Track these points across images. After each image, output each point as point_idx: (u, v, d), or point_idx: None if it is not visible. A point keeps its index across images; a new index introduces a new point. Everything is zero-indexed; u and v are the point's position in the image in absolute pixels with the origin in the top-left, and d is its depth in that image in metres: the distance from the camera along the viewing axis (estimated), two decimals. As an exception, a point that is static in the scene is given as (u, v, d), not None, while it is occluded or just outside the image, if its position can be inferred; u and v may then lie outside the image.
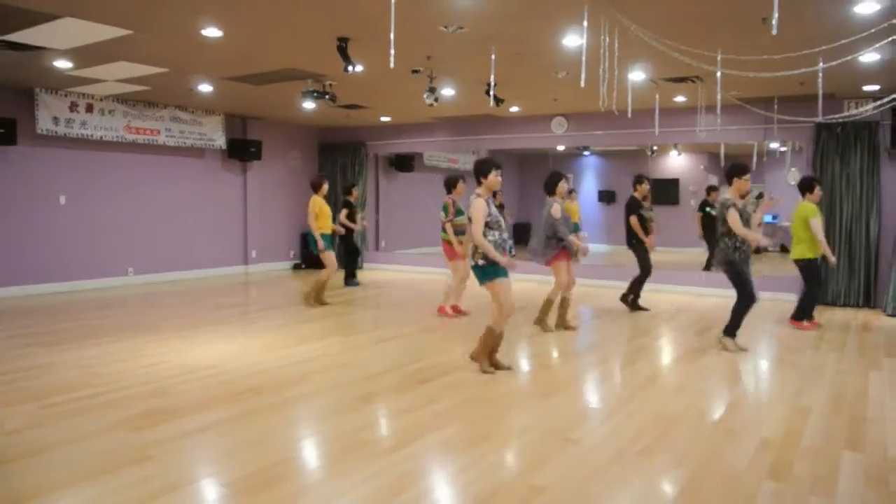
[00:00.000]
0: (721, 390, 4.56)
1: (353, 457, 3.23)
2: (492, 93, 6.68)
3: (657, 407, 4.06)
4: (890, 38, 4.46)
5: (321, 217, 7.54)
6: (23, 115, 7.98)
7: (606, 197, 13.24)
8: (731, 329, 5.56)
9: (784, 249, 11.41)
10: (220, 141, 10.25)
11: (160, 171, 9.72)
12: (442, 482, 3.04)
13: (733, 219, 5.30)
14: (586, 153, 13.42)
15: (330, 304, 7.76)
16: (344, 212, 9.22)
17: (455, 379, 4.65)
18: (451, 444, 3.42)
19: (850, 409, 4.04)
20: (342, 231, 8.96)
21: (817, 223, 6.38)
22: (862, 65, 5.99)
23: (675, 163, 12.22)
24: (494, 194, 4.91)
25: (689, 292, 8.91)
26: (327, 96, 7.34)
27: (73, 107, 8.39)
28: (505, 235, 4.68)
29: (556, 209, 6.20)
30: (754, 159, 9.51)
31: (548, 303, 6.38)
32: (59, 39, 5.62)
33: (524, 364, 5.26)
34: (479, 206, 4.56)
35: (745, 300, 5.45)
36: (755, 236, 5.31)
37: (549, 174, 6.39)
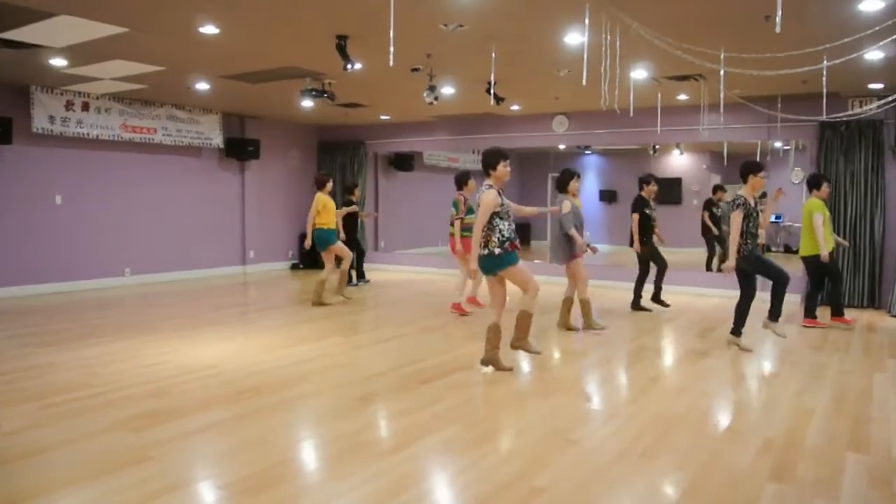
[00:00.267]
0: (723, 391, 4.52)
1: (353, 458, 3.20)
2: (492, 91, 6.65)
3: (659, 408, 4.03)
4: (894, 36, 4.43)
5: (324, 213, 7.60)
6: (18, 114, 7.93)
7: (608, 196, 13.21)
8: (738, 327, 5.54)
9: (788, 250, 11.38)
10: (218, 140, 10.21)
11: (157, 170, 9.69)
12: (442, 483, 3.01)
13: (733, 219, 5.33)
14: (587, 152, 13.37)
15: (331, 305, 7.74)
16: (344, 209, 9.17)
17: (455, 379, 4.62)
18: (451, 445, 3.39)
19: (853, 410, 4.01)
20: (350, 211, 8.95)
21: (819, 219, 6.36)
22: (866, 63, 5.95)
23: (678, 162, 12.17)
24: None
25: (689, 292, 8.87)
26: (326, 95, 7.30)
27: (68, 105, 8.35)
28: (513, 225, 4.78)
29: (565, 205, 6.21)
30: (758, 158, 9.48)
31: (586, 304, 6.35)
32: (55, 37, 5.59)
33: (525, 365, 5.23)
34: (488, 197, 4.64)
35: (779, 280, 5.43)
36: (734, 253, 5.31)
37: (562, 172, 6.42)
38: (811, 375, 4.80)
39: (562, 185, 6.34)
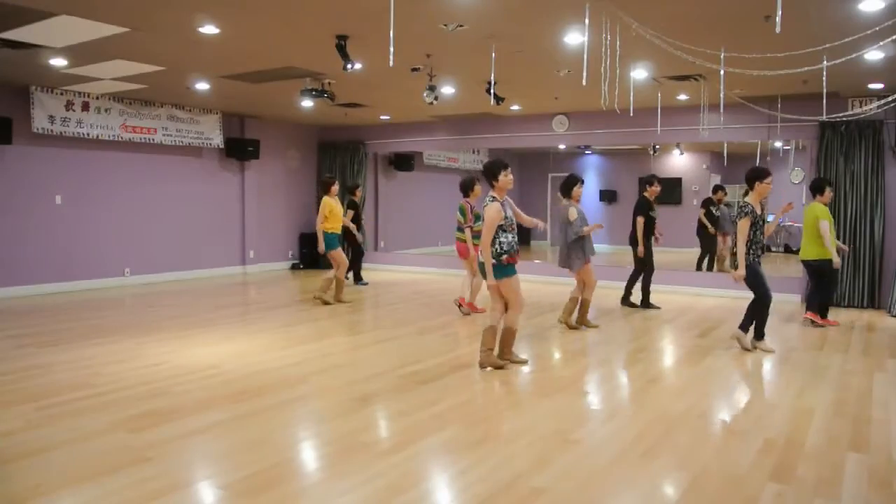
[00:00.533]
0: (723, 391, 4.52)
1: (353, 458, 3.19)
2: (492, 91, 6.64)
3: (659, 408, 4.03)
4: (894, 36, 4.42)
5: (331, 217, 7.67)
6: (18, 114, 7.93)
7: (608, 196, 13.21)
8: (759, 330, 5.51)
9: (788, 250, 11.38)
10: (218, 140, 10.21)
11: (157, 170, 9.68)
12: (442, 483, 3.01)
13: (741, 227, 5.28)
14: (588, 152, 13.38)
15: (332, 305, 7.74)
16: (350, 213, 9.16)
17: (455, 380, 4.62)
18: (451, 446, 3.39)
19: (854, 411, 4.00)
20: (352, 227, 8.92)
21: (825, 226, 6.39)
22: (866, 63, 5.95)
23: (678, 162, 12.17)
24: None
25: (690, 292, 8.87)
26: (326, 95, 7.30)
27: (68, 105, 8.35)
28: (516, 236, 4.83)
29: (571, 212, 6.26)
30: (758, 158, 9.48)
31: (586, 303, 6.41)
32: (55, 37, 5.58)
33: (525, 365, 5.23)
34: (492, 211, 4.67)
35: (762, 300, 5.42)
36: (742, 260, 5.29)
37: (566, 177, 6.45)
38: (812, 376, 4.80)
39: (566, 191, 6.38)
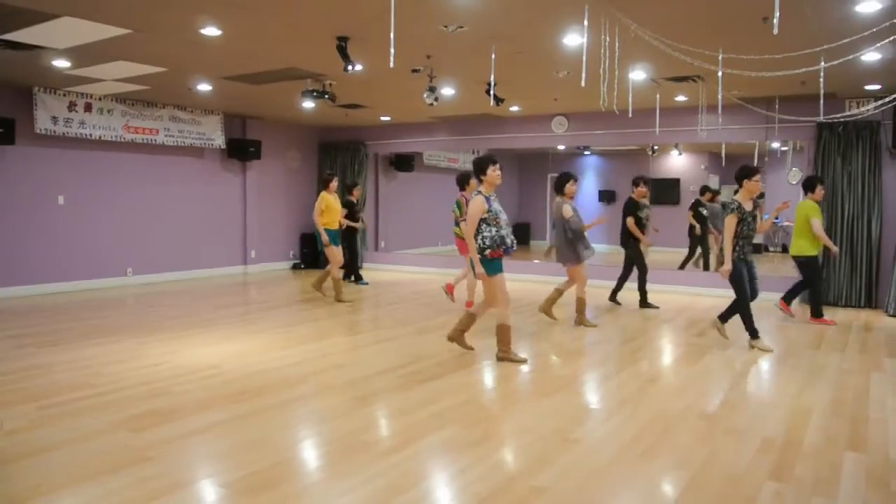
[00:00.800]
0: (722, 391, 4.53)
1: (353, 458, 3.21)
2: (492, 92, 6.66)
3: (658, 407, 4.05)
4: (891, 38, 4.45)
5: (327, 213, 7.73)
6: (21, 115, 7.96)
7: (607, 197, 13.22)
8: (749, 329, 5.59)
9: (786, 250, 11.40)
10: (220, 140, 10.23)
11: (159, 170, 9.70)
12: (442, 483, 3.03)
13: (727, 223, 5.42)
14: (587, 153, 13.40)
15: (329, 301, 7.77)
16: (343, 211, 9.19)
17: (455, 379, 4.63)
18: (451, 445, 3.41)
19: (851, 410, 4.03)
20: (351, 224, 8.92)
21: (818, 223, 6.48)
22: (863, 64, 5.97)
23: (676, 162, 12.19)
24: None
25: (688, 292, 8.89)
26: (327, 96, 7.32)
27: (71, 106, 8.37)
28: (503, 232, 4.85)
29: (566, 210, 6.32)
30: (755, 159, 9.51)
31: (580, 301, 6.51)
32: (58, 39, 5.60)
33: (524, 365, 5.25)
34: (475, 203, 4.81)
35: (741, 300, 5.53)
36: (729, 254, 5.42)
37: (560, 174, 6.53)
38: (810, 375, 4.82)
39: (559, 188, 6.47)
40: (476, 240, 4.80)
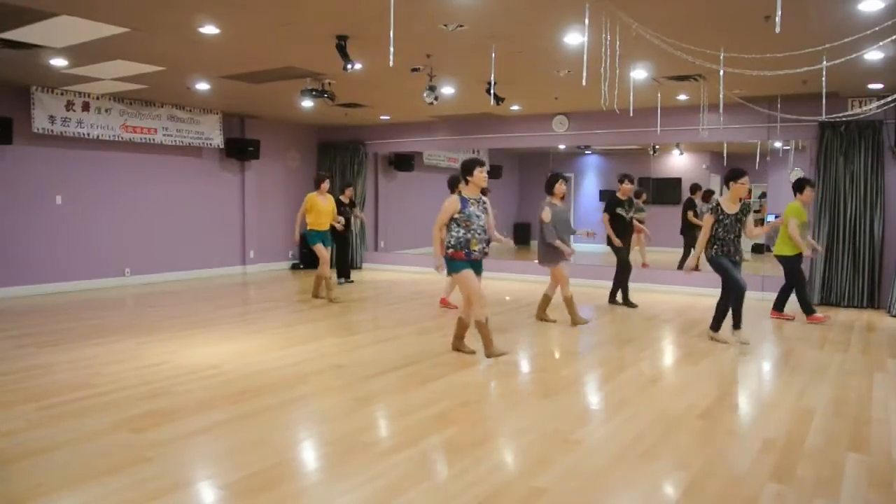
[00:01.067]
0: (723, 391, 4.52)
1: (353, 458, 3.20)
2: (492, 91, 6.65)
3: (659, 408, 4.03)
4: (894, 37, 4.43)
5: (312, 213, 7.83)
6: (18, 114, 7.93)
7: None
8: (728, 322, 5.75)
9: None
10: (218, 140, 10.21)
11: (157, 170, 9.68)
12: (443, 484, 3.01)
13: (705, 222, 5.63)
14: (587, 152, 13.38)
15: (328, 303, 7.76)
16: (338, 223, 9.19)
17: (454, 380, 4.62)
18: (451, 446, 3.39)
19: (853, 411, 4.01)
20: (340, 226, 8.88)
21: (794, 224, 6.58)
22: (866, 63, 5.95)
23: (678, 162, 12.17)
24: (484, 193, 5.13)
25: (688, 292, 8.87)
26: (326, 95, 7.31)
27: (69, 105, 8.35)
28: (469, 236, 4.90)
29: (545, 213, 6.38)
30: (757, 158, 9.49)
31: (568, 301, 6.54)
32: (55, 37, 5.59)
33: (524, 365, 5.24)
34: (449, 202, 4.95)
35: (734, 291, 5.63)
36: (698, 252, 5.75)
37: (550, 174, 6.57)
38: (811, 375, 4.80)
39: (548, 187, 6.49)
40: (448, 239, 4.95)
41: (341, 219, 8.41)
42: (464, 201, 4.91)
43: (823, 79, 5.49)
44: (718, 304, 5.83)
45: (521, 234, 13.87)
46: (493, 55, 5.87)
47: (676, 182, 11.82)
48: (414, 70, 6.68)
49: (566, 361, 5.35)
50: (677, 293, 8.81)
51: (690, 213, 9.63)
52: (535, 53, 6.02)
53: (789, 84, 6.88)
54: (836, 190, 7.93)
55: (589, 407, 4.18)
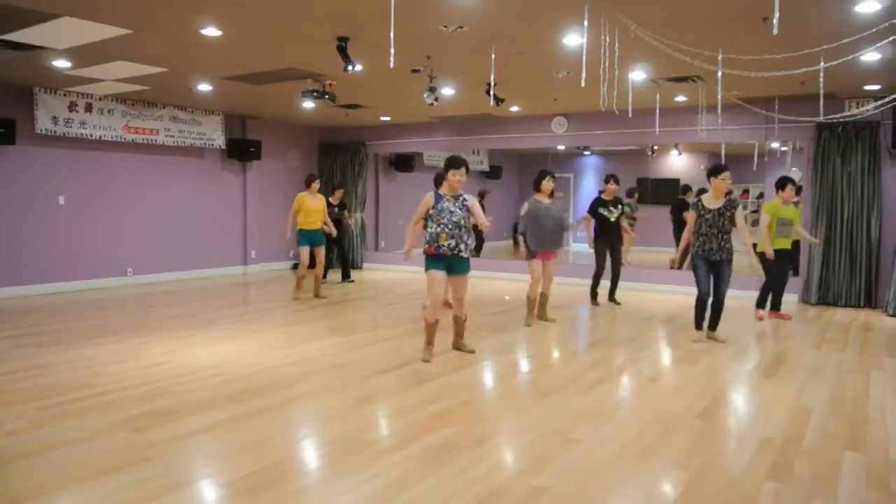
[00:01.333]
0: (721, 391, 4.54)
1: (353, 457, 3.22)
2: (492, 92, 6.67)
3: (657, 407, 4.05)
4: (891, 38, 4.45)
5: (301, 213, 7.91)
6: (22, 115, 7.96)
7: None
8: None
9: None
10: (220, 141, 10.23)
11: (159, 171, 9.71)
12: (442, 483, 3.03)
13: (688, 219, 5.71)
14: (587, 153, 13.40)
15: (327, 303, 7.79)
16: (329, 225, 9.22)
17: (454, 379, 4.64)
18: (451, 445, 3.41)
19: (851, 410, 4.03)
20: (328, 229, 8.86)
21: (765, 220, 6.65)
22: (863, 64, 5.98)
23: (676, 163, 12.20)
24: (483, 195, 5.18)
25: (688, 292, 8.87)
26: (327, 96, 7.33)
27: (72, 106, 8.38)
28: (438, 230, 4.87)
29: (523, 207, 6.49)
30: (755, 159, 9.51)
31: (528, 300, 6.59)
32: (58, 39, 5.61)
33: (524, 364, 5.26)
34: (424, 198, 5.01)
35: (698, 294, 5.73)
36: (681, 248, 5.94)
37: (538, 172, 6.61)
38: (809, 375, 4.82)
39: (535, 184, 6.54)
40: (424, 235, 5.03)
41: (333, 231, 8.33)
42: (438, 197, 4.94)
43: (821, 80, 5.51)
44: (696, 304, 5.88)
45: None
46: (493, 56, 5.89)
47: (675, 182, 11.85)
48: (414, 71, 6.70)
49: (565, 361, 5.37)
50: (677, 293, 8.83)
51: (685, 214, 9.66)
52: (534, 54, 6.05)
53: (787, 85, 6.90)
54: (834, 190, 7.95)
55: (588, 406, 4.20)
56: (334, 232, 8.39)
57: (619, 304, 7.84)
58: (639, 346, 5.79)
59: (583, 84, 5.40)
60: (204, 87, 8.01)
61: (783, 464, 3.19)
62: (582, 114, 9.75)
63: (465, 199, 4.97)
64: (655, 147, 11.15)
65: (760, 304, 6.98)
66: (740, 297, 7.55)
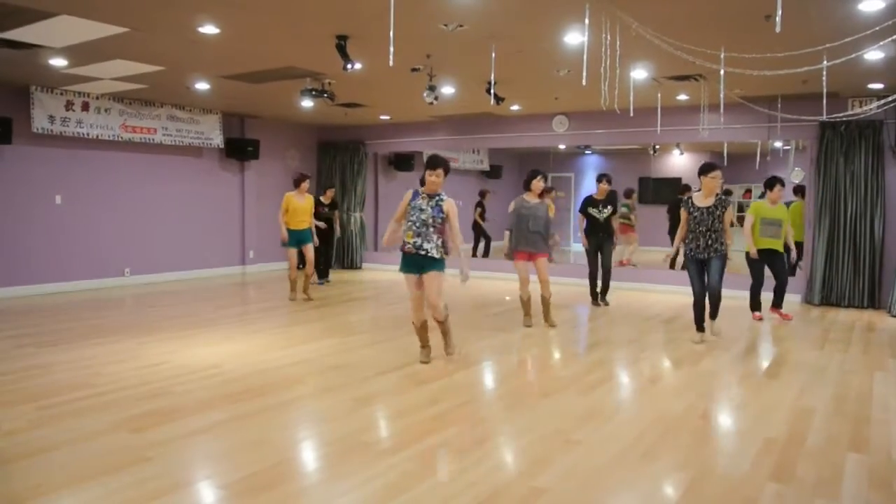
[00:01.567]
0: (723, 391, 4.52)
1: (353, 458, 3.20)
2: (492, 91, 6.64)
3: (659, 408, 4.03)
4: (894, 36, 4.42)
5: (289, 213, 7.84)
6: (18, 114, 7.92)
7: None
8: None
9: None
10: (218, 140, 10.20)
11: (157, 170, 9.67)
12: (442, 484, 3.01)
13: (682, 218, 5.69)
14: (588, 152, 13.38)
15: (326, 304, 7.77)
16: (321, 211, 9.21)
17: (454, 380, 4.62)
18: (451, 446, 3.39)
19: (854, 410, 4.01)
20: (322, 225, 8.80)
21: (749, 220, 6.65)
22: (866, 63, 5.95)
23: (678, 162, 12.17)
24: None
25: (689, 293, 8.85)
26: (326, 95, 7.30)
27: (68, 105, 8.34)
28: (405, 227, 4.83)
29: (511, 205, 6.45)
30: (758, 158, 9.49)
31: (521, 302, 6.55)
32: (55, 37, 5.58)
33: (524, 365, 5.24)
34: (404, 197, 5.02)
35: (693, 297, 5.73)
36: (675, 246, 5.95)
37: (529, 171, 6.57)
38: (811, 375, 4.80)
39: (525, 183, 6.49)
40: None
41: (317, 241, 8.19)
42: (415, 195, 4.92)
43: (824, 79, 5.48)
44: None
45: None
46: (493, 55, 5.87)
47: (677, 182, 11.82)
48: (414, 70, 6.68)
49: (566, 361, 5.35)
50: (677, 293, 8.80)
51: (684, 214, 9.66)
52: (535, 53, 6.02)
53: (790, 84, 6.87)
54: (837, 190, 7.92)
55: (589, 407, 4.17)
56: (316, 242, 8.18)
57: (606, 304, 7.78)
58: (640, 347, 5.77)
59: (584, 83, 5.37)
60: (202, 86, 7.98)
61: (785, 465, 3.17)
62: (583, 113, 9.72)
63: (440, 200, 4.84)
64: (657, 146, 11.12)
65: (754, 306, 6.90)
66: (740, 298, 7.52)
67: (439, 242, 4.83)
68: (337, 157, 11.86)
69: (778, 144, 9.99)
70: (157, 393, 4.22)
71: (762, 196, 7.17)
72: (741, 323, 6.78)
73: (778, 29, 3.72)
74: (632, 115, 7.31)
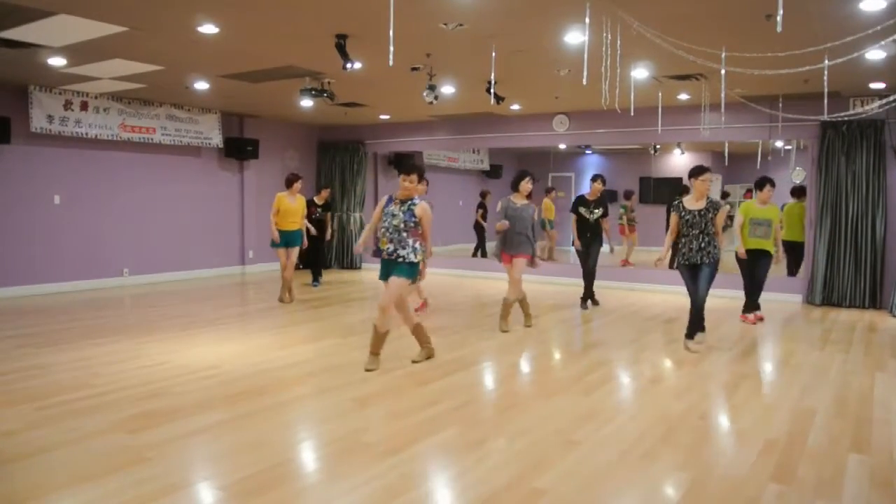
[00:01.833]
0: (724, 392, 4.51)
1: (352, 459, 3.18)
2: (492, 91, 6.63)
3: (660, 409, 4.01)
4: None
5: (279, 213, 7.74)
6: (16, 114, 7.91)
7: (608, 196, 13.18)
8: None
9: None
10: (217, 139, 10.19)
11: (156, 170, 9.66)
12: (442, 485, 3.00)
13: (671, 221, 5.60)
14: (588, 152, 13.36)
15: (324, 304, 7.76)
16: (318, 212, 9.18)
17: (454, 381, 4.60)
18: (450, 447, 3.38)
19: (855, 411, 4.00)
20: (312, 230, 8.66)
21: (738, 220, 6.64)
22: (868, 62, 5.94)
23: (679, 162, 12.15)
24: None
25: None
26: (325, 94, 7.29)
27: (67, 105, 8.33)
28: (387, 235, 4.74)
29: (499, 204, 6.40)
30: (759, 158, 9.47)
31: (506, 304, 6.36)
32: (54, 37, 5.57)
33: (524, 365, 5.22)
34: (378, 204, 4.94)
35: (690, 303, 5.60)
36: (665, 249, 5.71)
37: (517, 172, 6.52)
38: (812, 376, 4.79)
39: (513, 184, 6.44)
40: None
41: (306, 243, 8.07)
42: (388, 200, 4.83)
43: (825, 78, 5.46)
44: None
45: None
46: (493, 54, 5.86)
47: (678, 182, 11.81)
48: (414, 69, 6.66)
49: (566, 362, 5.34)
50: (678, 293, 8.79)
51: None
52: (535, 53, 6.00)
53: (791, 83, 6.86)
54: (838, 190, 7.91)
55: (589, 408, 4.16)
56: (305, 244, 8.10)
57: (595, 304, 7.73)
58: (640, 347, 5.75)
59: (584, 82, 5.36)
60: (201, 86, 7.97)
61: (787, 465, 3.15)
62: (583, 112, 9.71)
63: (412, 204, 4.73)
64: (658, 146, 11.11)
65: (747, 308, 6.86)
66: (740, 298, 7.50)
67: (416, 246, 4.76)
68: (336, 157, 11.85)
69: (779, 144, 9.98)
70: (156, 393, 4.21)
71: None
72: (739, 324, 6.76)
73: (779, 28, 3.71)
74: (632, 114, 7.29)
